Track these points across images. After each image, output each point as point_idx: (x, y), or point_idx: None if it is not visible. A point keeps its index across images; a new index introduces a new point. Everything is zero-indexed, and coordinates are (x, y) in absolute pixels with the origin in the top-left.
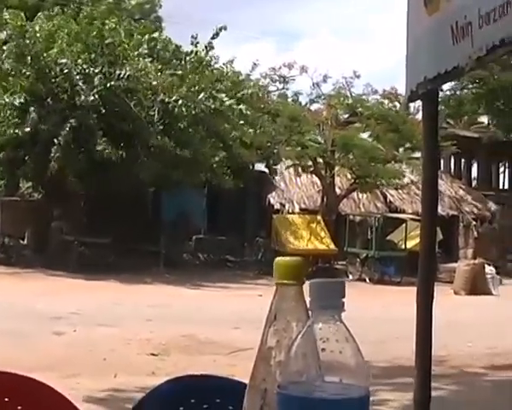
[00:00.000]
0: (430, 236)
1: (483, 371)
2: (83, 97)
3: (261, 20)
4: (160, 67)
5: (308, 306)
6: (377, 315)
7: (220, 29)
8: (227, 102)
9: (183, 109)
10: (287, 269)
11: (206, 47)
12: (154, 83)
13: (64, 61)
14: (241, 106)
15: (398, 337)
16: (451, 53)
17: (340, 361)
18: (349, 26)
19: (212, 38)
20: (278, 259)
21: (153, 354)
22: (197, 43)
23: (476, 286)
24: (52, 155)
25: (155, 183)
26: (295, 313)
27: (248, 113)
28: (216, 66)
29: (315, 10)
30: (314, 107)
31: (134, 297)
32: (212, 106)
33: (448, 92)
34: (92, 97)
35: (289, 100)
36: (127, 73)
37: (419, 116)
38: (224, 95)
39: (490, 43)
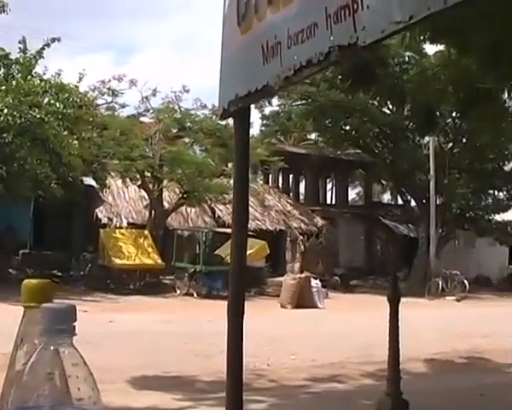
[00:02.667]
0: (240, 251)
1: (304, 383)
2: None
3: (99, 32)
4: None
5: (40, 331)
6: (204, 329)
7: (53, 40)
8: (53, 108)
9: (9, 119)
10: (33, 292)
11: (34, 56)
12: None
13: None
14: (69, 110)
15: (223, 351)
16: (262, 72)
17: (75, 386)
18: (185, 41)
19: (43, 47)
20: (25, 282)
21: None
22: (25, 49)
23: (302, 300)
24: None
25: None
26: None
27: (71, 113)
28: (44, 77)
29: (153, 24)
30: (144, 120)
31: None
32: (38, 115)
33: (278, 108)
34: None
35: (122, 114)
36: None
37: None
38: (47, 100)
39: (297, 64)
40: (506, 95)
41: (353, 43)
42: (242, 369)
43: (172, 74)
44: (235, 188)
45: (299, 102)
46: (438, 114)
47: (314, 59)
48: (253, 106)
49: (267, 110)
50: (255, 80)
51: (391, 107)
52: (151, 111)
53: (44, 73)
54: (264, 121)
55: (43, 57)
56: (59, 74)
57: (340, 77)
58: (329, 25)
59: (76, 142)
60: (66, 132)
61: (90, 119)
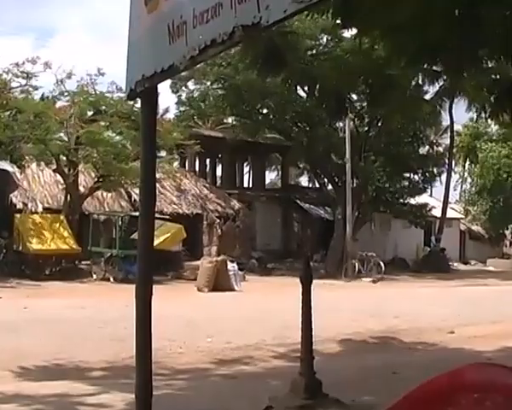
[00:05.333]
0: (147, 233)
1: (218, 365)
2: None
3: (18, 15)
4: None
5: None
6: (121, 314)
7: None
8: None
9: None
10: None
11: None
12: None
13: None
14: None
15: None
16: (168, 52)
17: None
18: (102, 24)
19: None
20: None
21: None
22: None
23: (219, 283)
24: None
25: None
26: None
27: None
28: None
29: (72, 7)
30: (60, 104)
31: None
32: None
33: (194, 91)
34: None
35: (37, 97)
36: None
37: (166, 116)
38: None
39: (202, 43)
40: (414, 82)
41: (257, 22)
42: (151, 352)
43: (90, 57)
44: (142, 169)
45: (215, 86)
46: (349, 99)
47: (218, 38)
48: (169, 89)
49: (183, 94)
50: (161, 60)
51: (304, 91)
52: (66, 94)
53: None
54: (180, 105)
55: None
56: None
57: (250, 60)
58: (234, 4)
59: None
60: None
61: (4, 102)
